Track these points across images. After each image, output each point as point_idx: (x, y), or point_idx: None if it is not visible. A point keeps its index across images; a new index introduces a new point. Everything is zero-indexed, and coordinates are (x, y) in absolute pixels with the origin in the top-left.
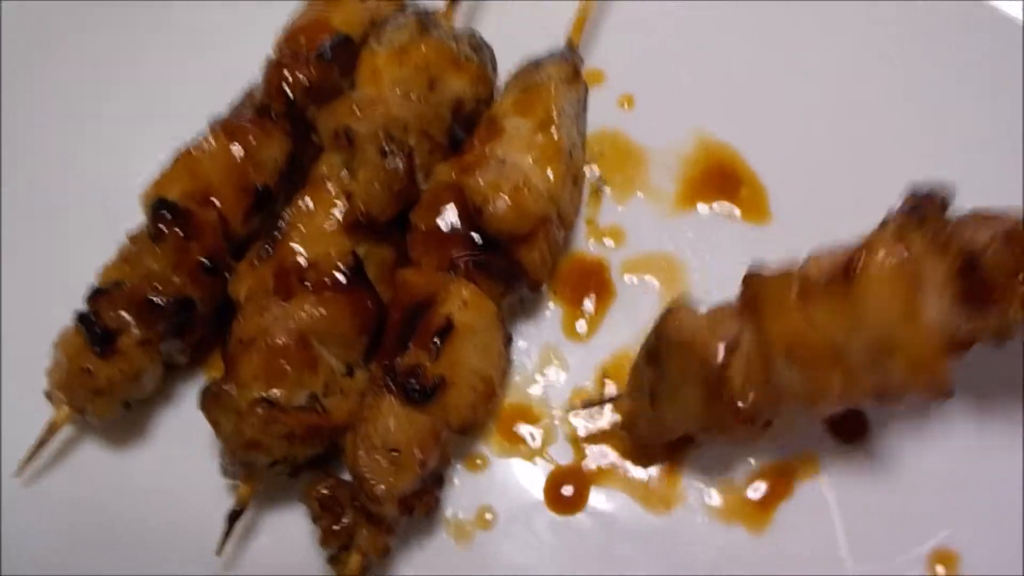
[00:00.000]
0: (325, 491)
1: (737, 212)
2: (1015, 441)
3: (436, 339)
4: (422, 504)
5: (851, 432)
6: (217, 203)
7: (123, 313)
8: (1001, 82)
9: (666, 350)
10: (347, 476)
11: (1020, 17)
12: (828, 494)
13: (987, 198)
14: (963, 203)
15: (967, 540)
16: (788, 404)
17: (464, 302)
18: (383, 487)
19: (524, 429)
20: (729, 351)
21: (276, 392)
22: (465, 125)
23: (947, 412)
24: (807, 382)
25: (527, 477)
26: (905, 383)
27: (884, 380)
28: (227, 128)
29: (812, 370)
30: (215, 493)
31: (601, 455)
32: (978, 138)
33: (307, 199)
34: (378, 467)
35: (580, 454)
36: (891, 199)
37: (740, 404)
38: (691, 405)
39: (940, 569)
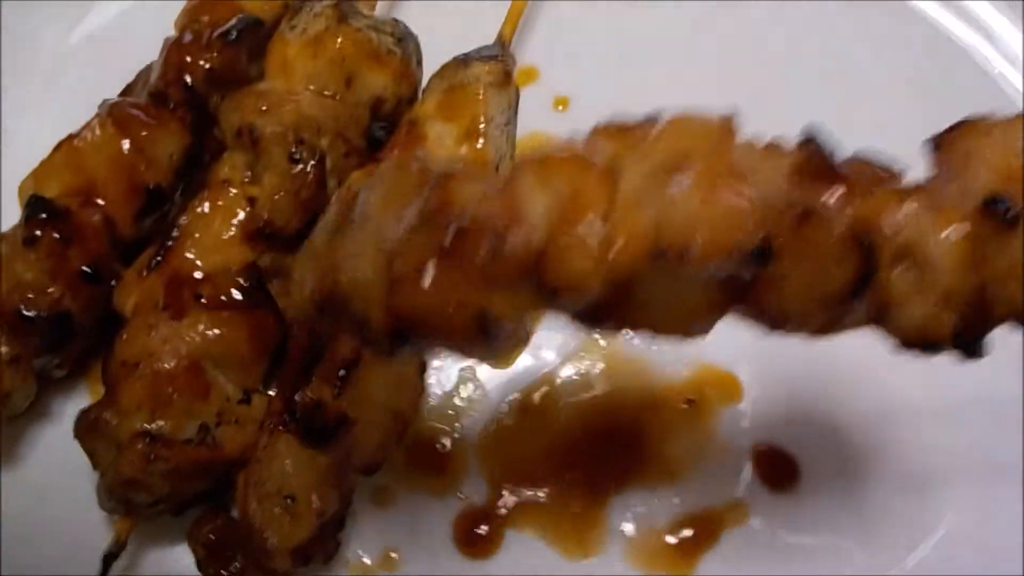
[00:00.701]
0: (211, 535)
1: None
2: (960, 491)
3: (341, 372)
4: (320, 551)
5: (780, 479)
6: (102, 203)
7: None
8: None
9: None
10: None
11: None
12: (755, 543)
13: None
14: None
15: None
16: None
17: None
18: (275, 540)
19: (436, 459)
20: None
21: (161, 423)
22: (385, 125)
23: (881, 456)
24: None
25: (436, 515)
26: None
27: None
28: (116, 116)
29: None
30: (94, 524)
31: (519, 491)
32: None
33: (205, 203)
34: (271, 517)
35: (496, 491)
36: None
37: None
38: None
39: None
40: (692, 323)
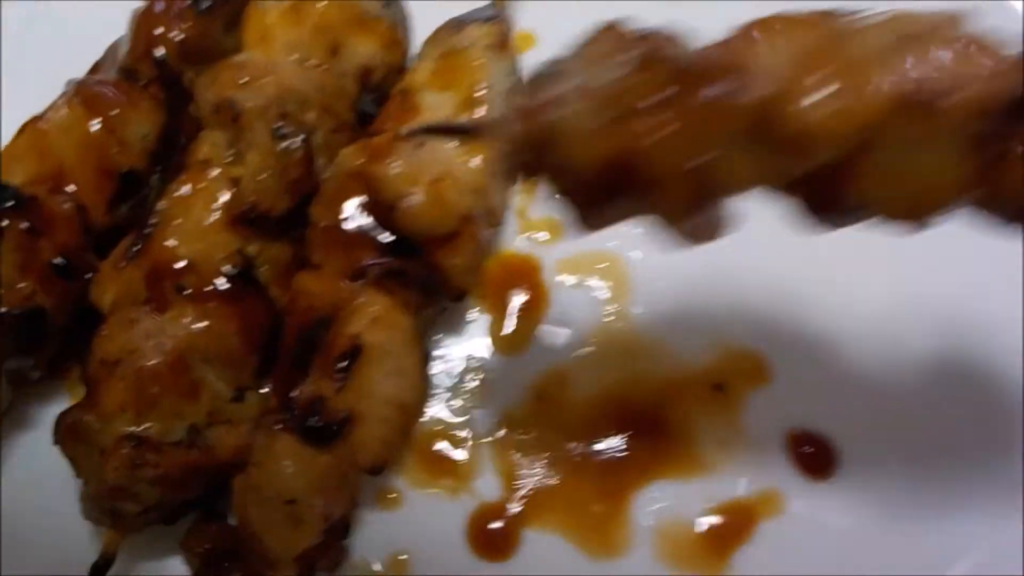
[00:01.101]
0: (208, 545)
1: None
2: (1006, 483)
3: (341, 364)
4: (325, 559)
5: (818, 465)
6: (72, 189)
7: None
8: None
9: None
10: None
11: None
12: (792, 536)
13: None
14: None
15: None
16: None
17: (374, 319)
18: (278, 548)
19: (445, 457)
20: None
21: (147, 426)
22: (376, 97)
23: (926, 446)
24: None
25: (448, 516)
26: None
27: None
28: (84, 95)
29: None
30: (80, 537)
31: (536, 485)
32: None
33: (185, 186)
34: (272, 524)
35: (511, 488)
36: None
37: None
38: None
39: None
40: (931, 202)
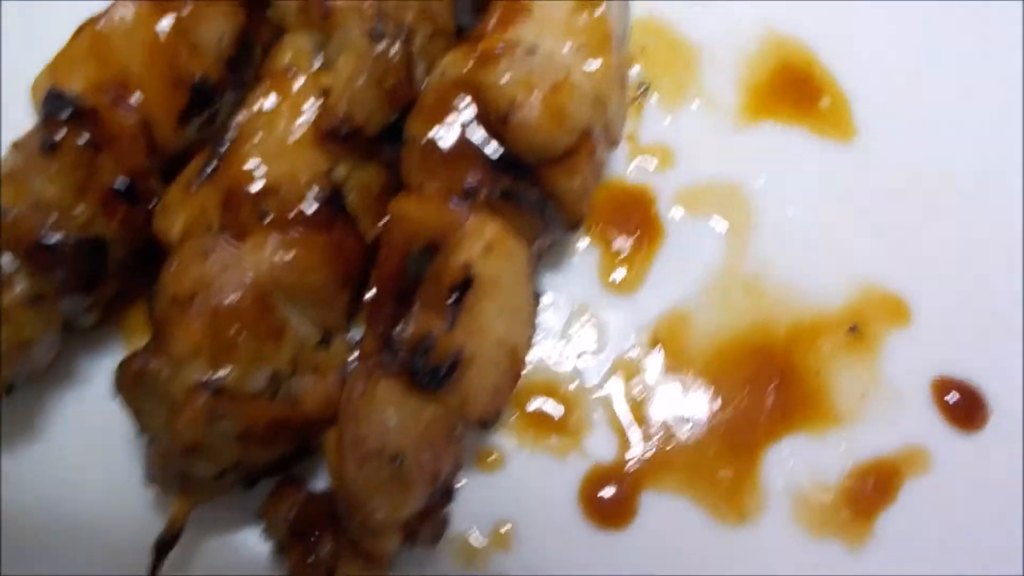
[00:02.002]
0: (294, 511)
1: (814, 127)
2: None
3: (452, 297)
4: (427, 528)
5: (967, 415)
6: (137, 100)
7: (4, 257)
8: None
9: None
10: (321, 483)
11: None
12: (941, 497)
13: None
14: None
15: None
16: None
17: (488, 245)
18: (383, 512)
19: (551, 413)
20: None
21: (225, 373)
22: (474, 2)
23: None
24: None
25: (556, 478)
26: None
27: None
28: None
29: None
30: (136, 510)
31: (655, 444)
32: None
33: (267, 97)
34: (377, 484)
35: (627, 445)
36: (1008, 112)
37: None
38: None
39: None
40: None
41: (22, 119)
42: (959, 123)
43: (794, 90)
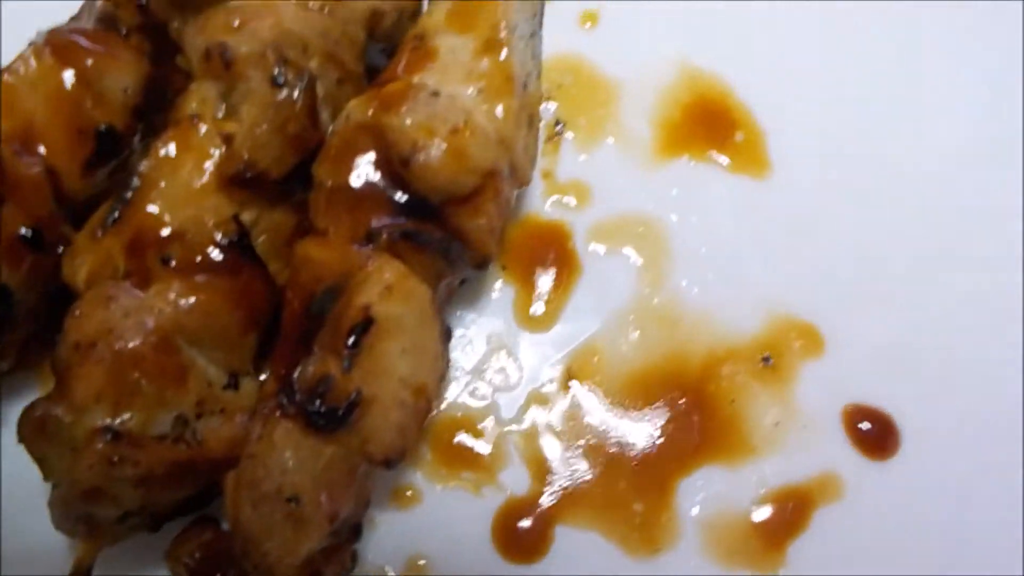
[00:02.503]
0: (196, 552)
1: (728, 162)
2: None
3: (351, 339)
4: (332, 565)
5: (878, 443)
6: (43, 150)
7: None
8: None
9: None
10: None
11: None
12: (852, 525)
13: None
14: None
15: None
16: None
17: (388, 287)
18: (278, 553)
19: (467, 448)
20: None
21: (126, 417)
22: (387, 47)
23: (995, 419)
24: None
25: (471, 513)
26: None
27: None
28: (55, 44)
29: None
30: (48, 551)
31: (570, 477)
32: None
33: (170, 145)
34: (271, 525)
35: (541, 479)
36: (920, 142)
37: None
38: None
39: None
40: None
41: None
42: (873, 155)
43: (709, 125)
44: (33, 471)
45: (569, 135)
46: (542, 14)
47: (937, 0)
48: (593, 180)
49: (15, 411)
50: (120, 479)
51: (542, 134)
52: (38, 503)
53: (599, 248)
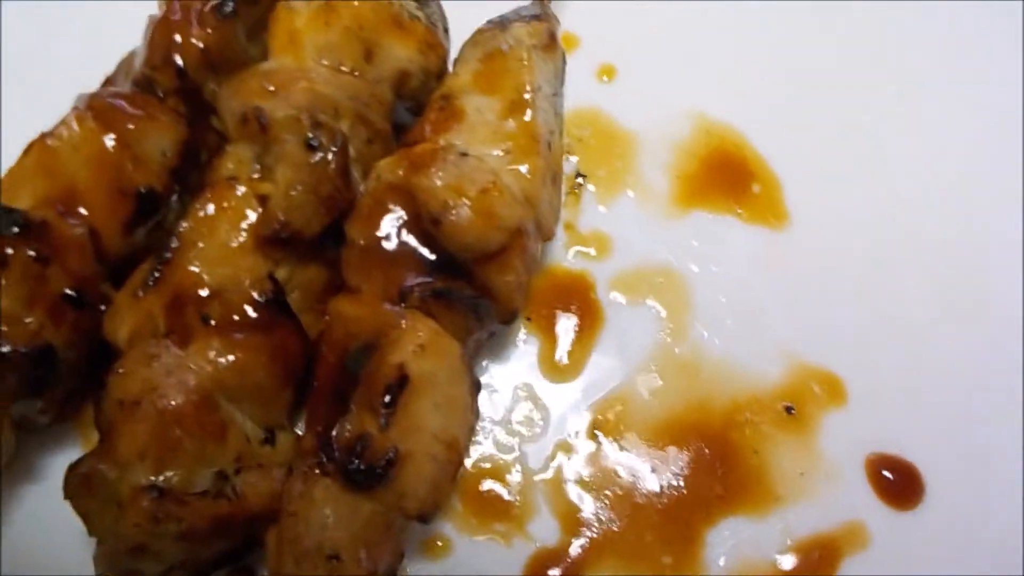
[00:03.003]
0: None
1: (747, 213)
2: None
3: (387, 397)
4: None
5: (902, 493)
6: (85, 212)
7: None
8: None
9: None
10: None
11: None
12: (881, 571)
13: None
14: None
15: None
16: None
17: (421, 345)
18: None
19: (497, 498)
20: None
21: (169, 474)
22: (412, 106)
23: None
24: None
25: (501, 563)
26: None
27: None
28: (97, 109)
29: None
30: None
31: (598, 528)
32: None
33: (208, 206)
34: None
35: (570, 529)
36: (938, 190)
37: None
38: None
39: None
40: None
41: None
42: (889, 201)
43: (726, 176)
44: (75, 525)
45: (590, 187)
46: (564, 72)
47: (949, 47)
48: (614, 231)
49: (55, 463)
50: (164, 535)
51: (563, 187)
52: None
53: (620, 298)
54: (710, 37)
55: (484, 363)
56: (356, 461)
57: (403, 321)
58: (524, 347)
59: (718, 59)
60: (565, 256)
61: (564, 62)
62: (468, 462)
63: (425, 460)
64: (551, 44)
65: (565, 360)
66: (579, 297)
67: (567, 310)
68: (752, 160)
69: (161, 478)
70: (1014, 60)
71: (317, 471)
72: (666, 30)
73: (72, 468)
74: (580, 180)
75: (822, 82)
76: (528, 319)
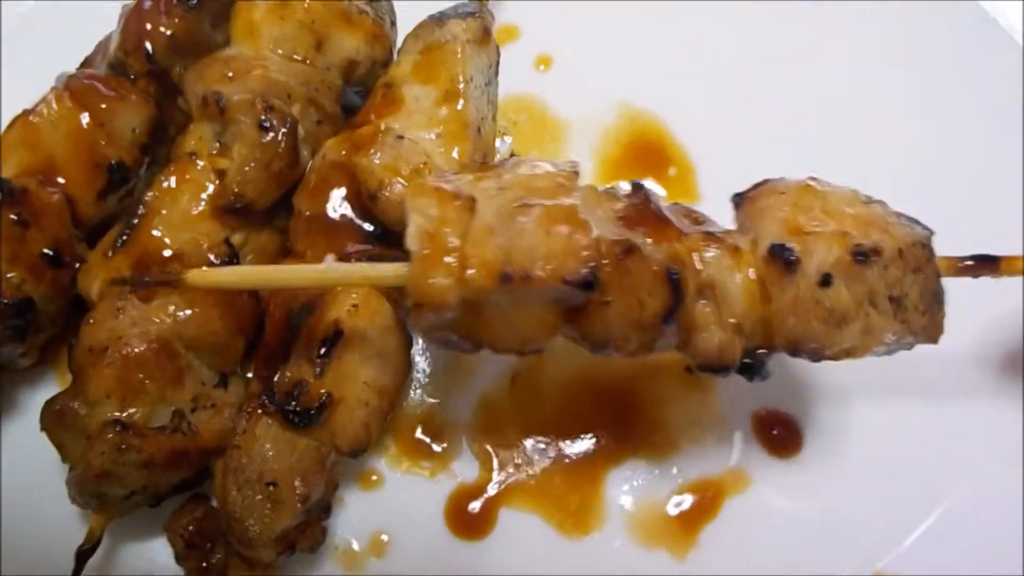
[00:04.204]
0: (191, 526)
1: (663, 193)
2: (964, 463)
3: (322, 349)
4: (305, 538)
5: (782, 445)
6: (62, 181)
7: None
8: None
9: None
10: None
11: None
12: (757, 514)
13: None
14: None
15: (912, 566)
16: None
17: (355, 304)
18: (257, 529)
19: (425, 440)
20: None
21: (132, 411)
22: (360, 91)
23: (895, 424)
24: None
25: (427, 496)
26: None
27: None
28: (74, 89)
29: None
30: (66, 522)
31: (513, 469)
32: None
33: (172, 178)
34: (252, 505)
35: (488, 470)
36: (835, 176)
37: None
38: None
39: None
40: (527, 342)
41: None
42: None
43: (646, 160)
44: (51, 453)
45: None
46: (497, 65)
47: (868, 43)
48: None
49: (35, 400)
50: (127, 463)
51: None
52: (57, 481)
53: None
54: (642, 33)
55: None
56: (293, 403)
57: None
58: None
59: (647, 54)
60: None
61: (498, 55)
62: (403, 407)
63: (357, 405)
64: (485, 38)
65: None
66: None
67: None
68: (670, 146)
69: (125, 414)
70: (931, 48)
71: (260, 411)
72: (600, 25)
73: (48, 404)
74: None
75: (741, 78)
76: None
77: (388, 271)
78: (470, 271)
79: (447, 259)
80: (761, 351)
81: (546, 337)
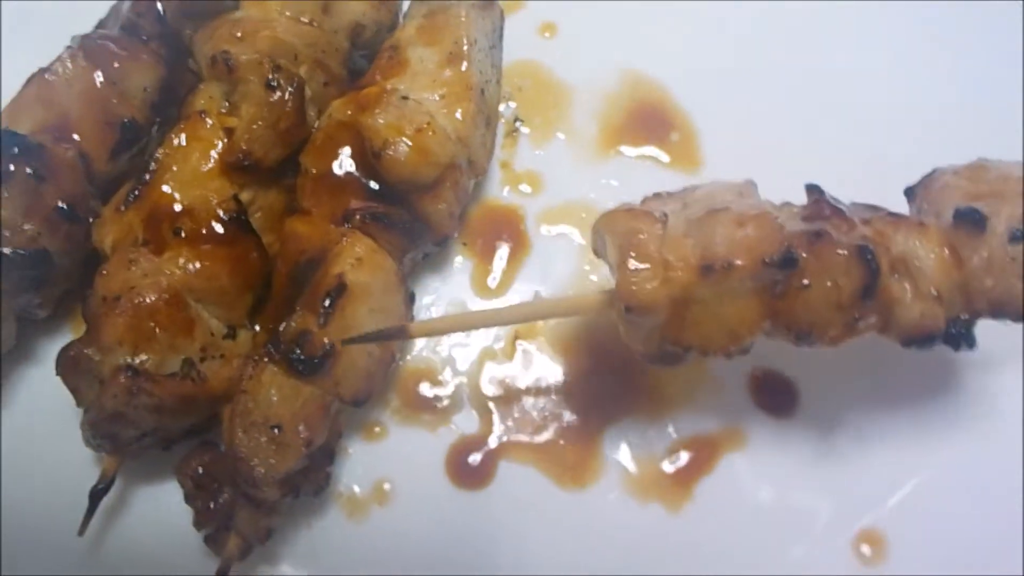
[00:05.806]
0: (199, 468)
1: (666, 158)
2: (953, 430)
3: (326, 301)
4: (309, 483)
5: (778, 404)
6: (77, 138)
7: None
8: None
9: None
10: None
11: None
12: (751, 470)
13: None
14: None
15: (896, 524)
16: None
17: (358, 259)
18: (262, 469)
19: (427, 394)
20: None
21: (144, 358)
22: (367, 53)
23: (886, 388)
24: None
25: (429, 448)
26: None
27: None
28: (88, 50)
29: None
30: (80, 464)
31: (513, 423)
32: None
33: (182, 135)
34: (257, 447)
35: (488, 424)
36: (833, 146)
37: None
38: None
39: (866, 550)
40: (741, 333)
41: None
42: (794, 158)
43: (648, 125)
44: (66, 398)
45: (525, 131)
46: (502, 29)
47: (868, 18)
48: (545, 171)
49: (51, 349)
50: (138, 407)
51: (501, 130)
52: (72, 425)
53: (548, 230)
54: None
55: (424, 279)
56: (298, 352)
57: (344, 238)
58: (460, 268)
59: (650, 20)
60: (501, 192)
61: (502, 19)
62: (403, 361)
63: (359, 355)
64: (489, 3)
65: (495, 281)
66: (510, 228)
67: (499, 238)
68: (673, 112)
69: (136, 360)
70: (932, 16)
71: (266, 359)
72: None
73: (63, 351)
74: (517, 125)
75: (743, 44)
76: (464, 244)
77: (592, 297)
78: (672, 271)
79: (649, 264)
80: (964, 317)
81: (752, 331)
